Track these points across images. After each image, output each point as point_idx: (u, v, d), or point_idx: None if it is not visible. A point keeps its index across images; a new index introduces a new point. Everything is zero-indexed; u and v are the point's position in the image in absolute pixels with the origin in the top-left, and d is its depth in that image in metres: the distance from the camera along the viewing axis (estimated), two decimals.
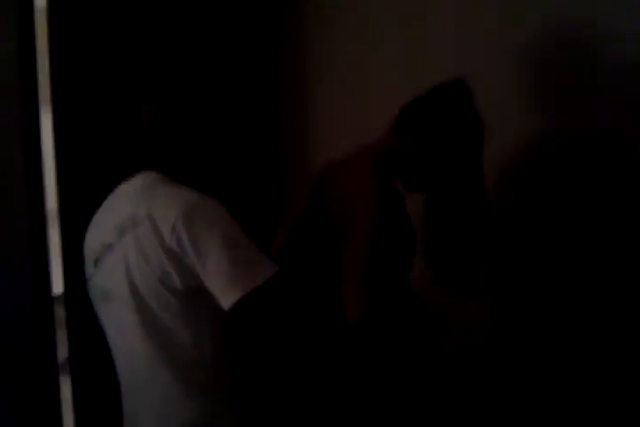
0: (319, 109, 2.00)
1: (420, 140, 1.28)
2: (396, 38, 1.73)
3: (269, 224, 1.86)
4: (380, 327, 1.19)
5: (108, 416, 1.51)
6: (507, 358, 1.56)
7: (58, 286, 1.62)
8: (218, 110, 1.23)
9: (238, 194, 1.85)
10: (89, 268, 1.18)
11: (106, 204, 1.19)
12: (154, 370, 1.06)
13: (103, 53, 1.61)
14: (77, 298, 1.60)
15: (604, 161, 1.37)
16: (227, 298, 0.98)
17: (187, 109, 1.15)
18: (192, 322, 1.05)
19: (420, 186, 1.34)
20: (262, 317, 1.05)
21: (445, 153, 1.28)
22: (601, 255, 1.39)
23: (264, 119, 2.08)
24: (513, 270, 1.57)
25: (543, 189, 1.48)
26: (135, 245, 1.03)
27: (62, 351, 1.61)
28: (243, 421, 1.14)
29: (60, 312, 1.61)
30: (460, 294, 1.38)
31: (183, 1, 1.78)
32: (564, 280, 1.46)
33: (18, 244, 1.56)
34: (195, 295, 1.03)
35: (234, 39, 1.94)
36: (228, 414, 1.10)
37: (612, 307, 1.37)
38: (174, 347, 1.05)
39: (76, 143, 1.60)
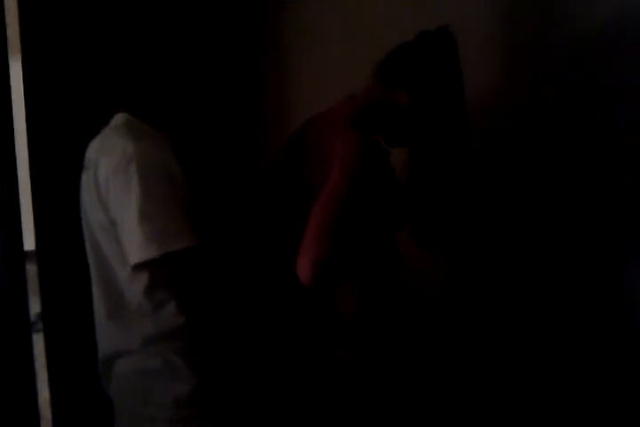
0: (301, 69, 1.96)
1: (408, 90, 1.21)
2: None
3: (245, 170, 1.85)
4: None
5: (82, 372, 1.51)
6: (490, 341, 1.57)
7: (29, 243, 1.59)
8: (198, 59, 1.19)
9: (215, 140, 1.84)
10: None
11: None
12: (95, 290, 1.13)
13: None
14: (49, 254, 1.59)
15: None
16: (132, 257, 1.00)
17: (165, 55, 1.12)
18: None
19: (403, 139, 1.28)
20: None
21: (431, 103, 1.22)
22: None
23: (245, 73, 2.03)
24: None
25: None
26: (87, 185, 1.10)
27: (35, 308, 1.60)
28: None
29: (32, 269, 1.59)
30: (442, 252, 1.37)
31: None
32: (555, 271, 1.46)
33: None
34: None
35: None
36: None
37: (596, 288, 1.38)
38: (110, 276, 1.08)
39: (48, 88, 1.55)
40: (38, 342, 1.60)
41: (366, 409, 1.26)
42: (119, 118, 1.12)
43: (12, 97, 1.50)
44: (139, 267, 1.00)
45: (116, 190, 1.00)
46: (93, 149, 1.11)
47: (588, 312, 1.36)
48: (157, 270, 1.01)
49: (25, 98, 1.52)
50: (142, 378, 1.07)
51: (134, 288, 1.04)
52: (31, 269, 1.58)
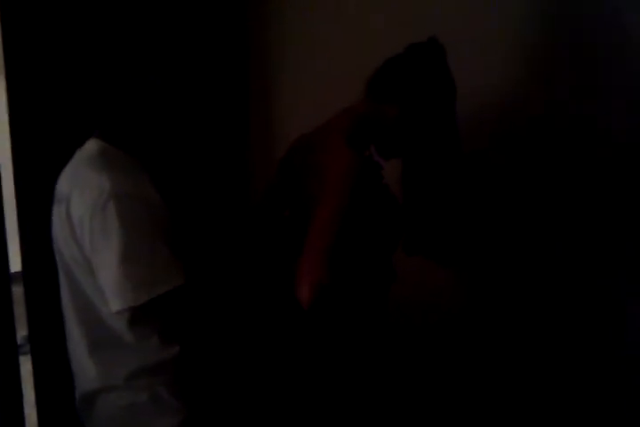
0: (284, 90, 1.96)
1: (398, 103, 1.20)
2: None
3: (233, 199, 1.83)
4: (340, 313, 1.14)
5: (69, 395, 1.50)
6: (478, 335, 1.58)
7: (16, 265, 1.58)
8: (181, 80, 1.15)
9: (201, 169, 1.82)
10: None
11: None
12: (72, 324, 1.09)
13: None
14: (36, 276, 1.57)
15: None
16: (113, 304, 0.96)
17: (144, 75, 1.07)
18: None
19: (396, 151, 1.28)
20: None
21: (422, 114, 1.21)
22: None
23: (230, 92, 2.02)
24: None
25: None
26: (59, 219, 1.05)
27: (21, 330, 1.59)
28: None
29: (18, 291, 1.57)
30: (438, 261, 1.36)
31: None
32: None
33: None
34: None
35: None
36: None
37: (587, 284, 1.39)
38: (89, 310, 1.04)
39: (31, 111, 1.52)
40: (25, 364, 1.60)
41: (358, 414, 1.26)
42: (92, 146, 1.05)
43: None
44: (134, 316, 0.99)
45: (92, 232, 0.94)
46: (65, 181, 1.05)
47: (583, 315, 1.37)
48: (142, 308, 0.98)
49: (10, 119, 1.50)
50: (129, 414, 1.05)
51: (117, 323, 1.01)
52: (17, 292, 1.57)
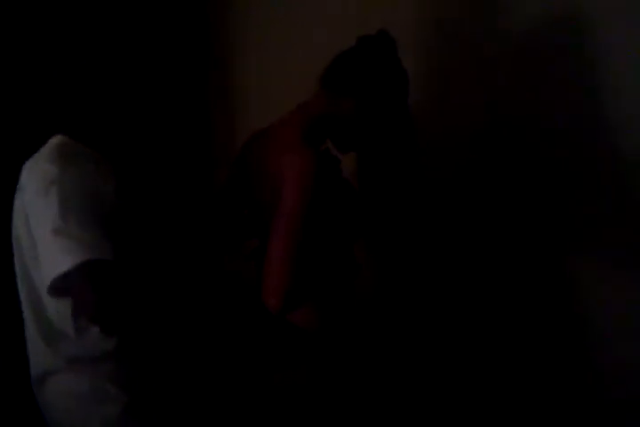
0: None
1: (353, 96, 1.20)
2: None
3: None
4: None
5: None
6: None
7: None
8: (144, 71, 1.19)
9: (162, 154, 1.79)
10: None
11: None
12: (27, 318, 1.13)
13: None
14: None
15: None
16: (47, 276, 0.99)
17: (112, 68, 1.12)
18: None
19: (353, 144, 1.28)
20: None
21: (376, 106, 1.21)
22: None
23: (191, 83, 2.00)
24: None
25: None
26: (18, 209, 1.11)
27: None
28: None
29: None
30: (390, 253, 1.36)
31: None
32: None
33: None
34: None
35: None
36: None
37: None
38: (41, 304, 1.09)
39: None
40: None
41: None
42: (53, 141, 1.12)
43: None
44: (59, 288, 1.00)
45: (35, 212, 1.02)
46: (25, 173, 1.12)
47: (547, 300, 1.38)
48: (78, 292, 1.02)
49: None
50: (71, 400, 1.09)
51: (59, 312, 1.06)
52: None
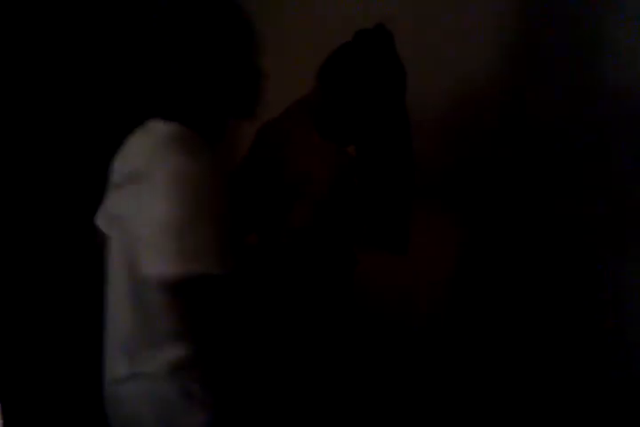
0: None
1: (350, 90, 1.21)
2: None
3: None
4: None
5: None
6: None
7: None
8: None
9: None
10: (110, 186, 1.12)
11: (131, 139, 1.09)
12: (124, 308, 1.03)
13: None
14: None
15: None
16: (147, 266, 0.94)
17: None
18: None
19: (350, 138, 1.28)
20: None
21: (373, 101, 1.22)
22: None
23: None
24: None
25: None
26: (130, 199, 1.01)
27: None
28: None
29: None
30: (387, 249, 1.36)
31: None
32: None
33: None
34: None
35: None
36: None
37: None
38: (145, 293, 0.98)
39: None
40: None
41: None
42: (169, 129, 1.01)
43: None
44: (172, 289, 0.94)
45: (159, 205, 0.93)
46: (143, 160, 1.00)
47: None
48: (190, 295, 0.96)
49: None
50: (157, 405, 1.01)
51: (170, 314, 0.98)
52: None
